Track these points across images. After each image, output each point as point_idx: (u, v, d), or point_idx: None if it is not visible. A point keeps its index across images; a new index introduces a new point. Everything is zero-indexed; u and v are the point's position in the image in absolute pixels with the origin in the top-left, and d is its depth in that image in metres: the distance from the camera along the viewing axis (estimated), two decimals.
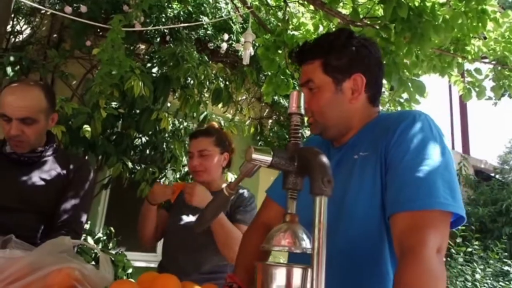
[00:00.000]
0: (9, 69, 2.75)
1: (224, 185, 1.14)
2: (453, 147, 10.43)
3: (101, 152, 2.70)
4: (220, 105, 2.97)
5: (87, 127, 2.34)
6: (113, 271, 1.18)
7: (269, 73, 2.95)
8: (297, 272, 0.68)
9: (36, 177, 1.62)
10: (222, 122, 3.13)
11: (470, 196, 8.62)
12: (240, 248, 1.33)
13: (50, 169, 1.66)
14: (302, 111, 0.78)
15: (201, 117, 3.02)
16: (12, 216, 1.55)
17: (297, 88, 3.13)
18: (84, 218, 1.71)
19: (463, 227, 6.40)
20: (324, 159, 0.67)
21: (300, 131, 0.77)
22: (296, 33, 2.80)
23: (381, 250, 0.98)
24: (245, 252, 1.30)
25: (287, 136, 4.40)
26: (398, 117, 1.03)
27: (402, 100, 3.19)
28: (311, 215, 0.66)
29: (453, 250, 6.14)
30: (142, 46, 3.99)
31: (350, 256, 0.99)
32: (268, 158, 0.71)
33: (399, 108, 3.25)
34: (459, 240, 6.38)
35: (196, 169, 1.85)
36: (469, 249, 6.24)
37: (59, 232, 1.57)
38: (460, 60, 2.90)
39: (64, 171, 1.67)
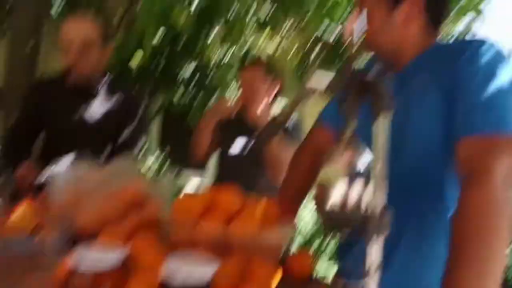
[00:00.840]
0: (55, 7, 2.81)
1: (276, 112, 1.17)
2: None
3: (149, 83, 2.79)
4: (264, 35, 2.92)
5: (138, 57, 2.40)
6: (170, 190, 1.29)
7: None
8: (356, 191, 0.72)
9: (95, 106, 1.77)
10: (266, 53, 3.09)
11: None
12: (288, 168, 1.38)
13: (107, 97, 1.80)
14: (358, 36, 0.78)
15: (245, 47, 2.99)
16: (78, 139, 1.72)
17: (346, 13, 2.98)
18: (140, 142, 1.88)
19: None
20: (385, 80, 0.68)
21: (357, 54, 0.77)
22: None
23: (442, 177, 0.97)
24: (292, 174, 1.35)
25: (335, 61, 4.27)
26: (461, 44, 0.97)
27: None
28: (370, 138, 0.67)
29: None
30: None
31: (410, 181, 1.00)
32: (326, 82, 0.72)
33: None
34: None
35: (245, 99, 1.90)
36: None
37: (121, 152, 1.75)
38: None
39: (120, 99, 1.82)
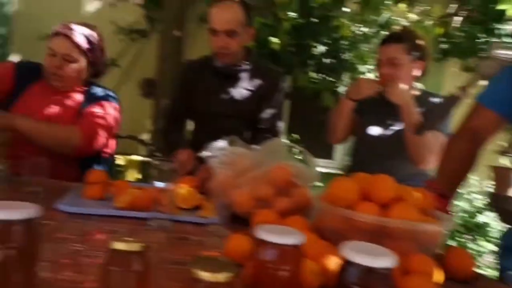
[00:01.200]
0: None
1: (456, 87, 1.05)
2: None
3: (285, 64, 2.84)
4: (402, 5, 2.70)
5: (274, 39, 2.46)
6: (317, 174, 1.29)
7: None
8: None
9: (241, 88, 1.85)
10: (406, 24, 2.86)
11: None
12: (444, 154, 1.29)
13: (251, 80, 1.86)
14: None
15: (382, 20, 2.82)
16: (226, 121, 1.83)
17: None
18: (281, 124, 1.92)
19: None
20: None
21: None
22: None
23: None
24: (449, 158, 1.26)
25: (479, 35, 3.78)
26: None
27: None
28: None
29: None
30: None
31: None
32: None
33: None
34: None
35: (385, 78, 1.77)
36: None
37: (265, 136, 1.81)
38: None
39: (264, 82, 1.86)
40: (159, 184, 1.12)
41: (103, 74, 1.84)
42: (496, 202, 0.67)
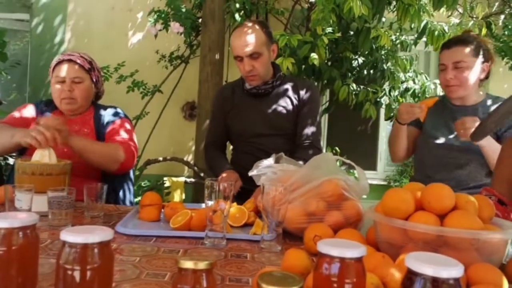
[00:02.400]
0: (237, 16, 3.11)
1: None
2: None
3: (326, 77, 2.85)
4: (443, 10, 2.64)
5: (314, 55, 2.49)
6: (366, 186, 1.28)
7: None
8: None
9: (276, 105, 1.87)
10: (446, 29, 2.79)
11: None
12: (498, 161, 1.24)
13: (284, 95, 1.88)
14: None
15: (421, 27, 2.76)
16: (266, 140, 1.86)
17: None
18: (320, 136, 1.93)
19: None
20: None
21: None
22: None
23: None
24: (505, 165, 1.21)
25: None
26: None
27: None
28: None
29: None
30: None
31: None
32: None
33: None
34: None
35: (449, 83, 1.74)
36: None
37: (306, 149, 1.83)
38: None
39: (296, 96, 1.88)
40: (210, 204, 1.15)
41: (102, 95, 1.94)
42: None
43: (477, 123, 1.54)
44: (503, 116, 0.87)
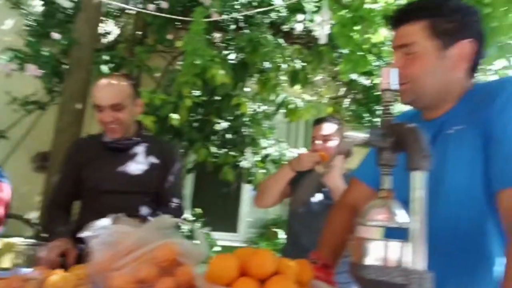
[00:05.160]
0: (104, 68, 3.02)
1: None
2: None
3: (187, 139, 2.87)
4: (297, 87, 2.97)
5: (174, 116, 2.50)
6: (206, 250, 1.26)
7: (346, 51, 2.87)
8: (395, 246, 0.68)
9: (135, 162, 1.80)
10: (300, 104, 3.13)
11: None
12: (325, 227, 1.35)
13: (145, 154, 1.82)
14: (394, 87, 0.77)
15: (279, 99, 3.05)
16: (120, 198, 1.74)
17: (381, 64, 3.01)
18: (181, 199, 1.89)
19: None
20: (420, 133, 0.66)
21: (392, 107, 0.76)
22: (374, 6, 2.68)
23: (484, 228, 0.93)
24: (330, 230, 1.31)
25: (364, 115, 4.26)
26: (497, 85, 0.97)
27: (494, 69, 2.91)
28: (407, 193, 0.65)
29: None
30: (218, 35, 4.12)
31: (450, 235, 0.96)
32: (363, 136, 0.71)
33: (491, 78, 2.97)
34: None
35: (319, 152, 1.90)
36: None
37: (168, 211, 1.74)
38: None
39: (157, 156, 1.83)
40: (26, 271, 0.99)
41: None
42: (355, 271, 0.70)
43: (340, 179, 1.72)
44: (311, 186, 0.96)
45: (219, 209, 4.63)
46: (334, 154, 0.90)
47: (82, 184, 1.79)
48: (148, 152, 1.82)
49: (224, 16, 3.05)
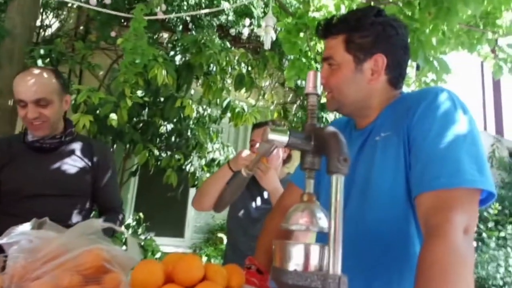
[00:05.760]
0: (39, 62, 2.85)
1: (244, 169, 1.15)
2: (485, 128, 10.07)
3: (128, 140, 2.77)
4: (243, 91, 2.97)
5: (113, 116, 2.41)
6: (141, 254, 1.22)
7: (292, 57, 2.92)
8: (314, 250, 0.69)
9: (62, 163, 1.68)
10: (245, 108, 3.13)
11: (504, 180, 8.34)
12: (262, 231, 1.35)
13: (74, 154, 1.71)
14: (319, 91, 0.78)
15: (224, 103, 3.04)
16: (45, 202, 1.62)
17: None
18: (121, 201, 1.84)
19: (496, 211, 6.24)
20: (340, 137, 0.67)
21: (317, 111, 0.77)
22: (317, 14, 2.76)
23: (408, 232, 0.97)
24: (266, 234, 1.32)
25: None
26: (419, 94, 1.02)
27: (428, 80, 3.09)
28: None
29: (484, 235, 5.99)
30: (165, 35, 4.03)
31: (376, 238, 1.00)
32: (284, 138, 0.71)
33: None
34: (491, 224, 6.21)
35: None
36: (502, 234, 6.06)
37: (109, 215, 1.72)
38: (490, 35, 2.77)
39: (89, 157, 1.73)
40: None
41: None
42: (276, 275, 0.70)
43: (276, 179, 1.74)
44: (235, 189, 0.95)
45: (165, 214, 4.52)
46: (257, 157, 0.89)
47: (1, 187, 1.64)
48: (77, 153, 1.72)
49: (170, 16, 2.99)
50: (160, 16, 2.81)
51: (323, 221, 0.70)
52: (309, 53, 2.81)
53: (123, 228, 1.27)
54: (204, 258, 3.88)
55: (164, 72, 2.24)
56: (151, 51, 2.11)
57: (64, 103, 1.69)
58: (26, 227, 1.19)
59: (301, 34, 2.68)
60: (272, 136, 0.71)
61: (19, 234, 1.14)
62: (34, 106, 1.56)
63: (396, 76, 1.09)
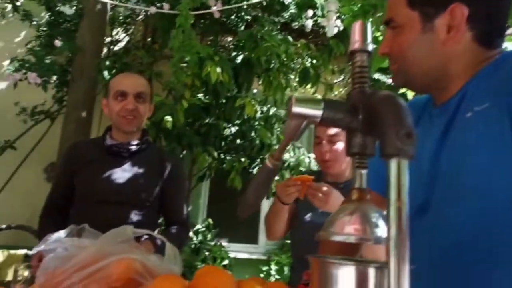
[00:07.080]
0: (105, 73, 2.92)
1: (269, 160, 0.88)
2: None
3: (185, 143, 2.70)
4: (308, 87, 2.76)
5: (168, 118, 2.35)
6: (181, 263, 1.08)
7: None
8: (369, 273, 0.47)
9: (136, 171, 1.65)
10: None
11: None
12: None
13: (148, 164, 1.68)
14: (369, 47, 0.56)
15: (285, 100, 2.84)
16: (115, 208, 1.58)
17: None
18: (186, 210, 1.80)
19: None
20: (399, 102, 0.45)
21: (367, 73, 0.55)
22: None
23: None
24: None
25: None
26: None
27: None
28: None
29: None
30: (229, 38, 3.97)
31: (469, 250, 0.73)
32: (317, 112, 0.51)
33: None
34: None
35: (325, 158, 1.64)
36: None
37: (172, 227, 1.69)
38: None
39: (161, 168, 1.69)
40: None
41: None
42: None
43: (340, 202, 1.42)
44: (260, 186, 0.76)
45: (238, 219, 4.41)
46: (285, 141, 0.69)
47: (76, 190, 1.64)
48: (151, 162, 1.69)
49: (222, 8, 2.85)
50: (215, 14, 2.69)
51: (381, 229, 0.49)
52: (379, 38, 2.50)
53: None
54: (275, 267, 3.69)
55: (218, 69, 2.12)
56: (201, 47, 2.01)
57: (149, 109, 1.73)
58: (61, 234, 1.12)
59: (369, 17, 2.39)
60: (298, 109, 0.51)
61: (54, 242, 1.07)
62: (134, 99, 1.61)
63: (486, 31, 0.81)
